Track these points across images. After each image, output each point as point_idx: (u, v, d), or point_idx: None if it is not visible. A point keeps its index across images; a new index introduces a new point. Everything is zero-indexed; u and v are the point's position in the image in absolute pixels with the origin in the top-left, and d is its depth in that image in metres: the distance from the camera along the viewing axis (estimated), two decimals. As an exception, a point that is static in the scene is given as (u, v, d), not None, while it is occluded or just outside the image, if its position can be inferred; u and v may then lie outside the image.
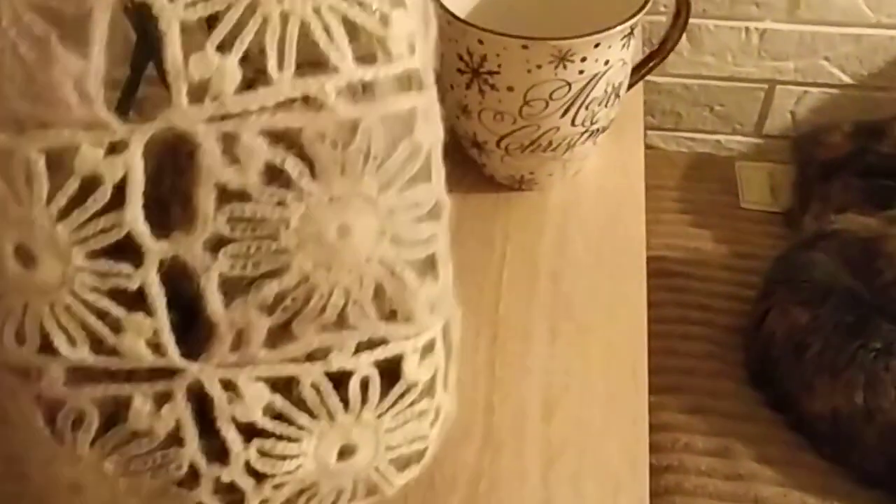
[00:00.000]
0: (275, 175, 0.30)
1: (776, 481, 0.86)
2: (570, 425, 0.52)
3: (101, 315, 0.31)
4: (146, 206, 0.30)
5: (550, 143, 0.61)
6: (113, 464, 0.34)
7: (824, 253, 0.91)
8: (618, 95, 0.61)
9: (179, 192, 0.31)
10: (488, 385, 0.54)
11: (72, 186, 0.30)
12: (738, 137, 1.28)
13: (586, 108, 0.59)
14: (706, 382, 0.95)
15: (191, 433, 0.33)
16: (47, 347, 0.32)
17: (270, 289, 0.31)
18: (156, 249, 0.30)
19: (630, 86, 0.65)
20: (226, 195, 0.30)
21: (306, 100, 0.30)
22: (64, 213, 0.30)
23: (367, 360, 0.35)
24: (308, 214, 0.31)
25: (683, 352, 0.97)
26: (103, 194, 0.30)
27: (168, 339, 0.32)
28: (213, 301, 0.31)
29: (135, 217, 0.30)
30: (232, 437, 0.33)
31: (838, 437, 0.87)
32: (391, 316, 0.35)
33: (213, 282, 0.31)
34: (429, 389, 0.38)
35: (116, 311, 0.31)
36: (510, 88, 0.58)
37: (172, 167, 0.32)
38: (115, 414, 0.33)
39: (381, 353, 0.35)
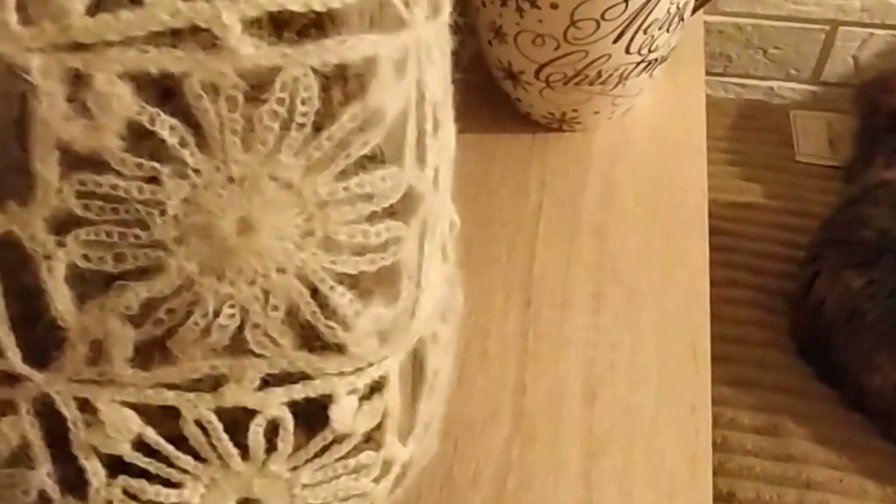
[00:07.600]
0: (145, 139, 0.22)
1: (831, 464, 0.82)
2: (616, 411, 0.45)
3: None
4: None
5: (599, 74, 0.53)
6: None
7: (875, 206, 0.85)
8: (682, 18, 0.53)
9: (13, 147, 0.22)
10: (519, 360, 0.47)
11: None
12: (793, 84, 1.20)
13: (644, 31, 0.51)
14: (754, 352, 0.91)
15: (41, 455, 0.26)
16: None
17: (137, 293, 0.23)
18: None
19: (695, 9, 0.56)
20: (76, 159, 0.22)
21: (195, 31, 0.21)
22: None
23: (278, 399, 0.26)
24: (194, 199, 0.22)
25: (730, 318, 0.92)
26: None
27: (4, 338, 0.24)
28: (59, 300, 0.23)
29: None
30: (92, 467, 0.26)
31: (903, 417, 0.81)
32: (318, 344, 0.26)
33: (59, 274, 0.23)
34: (373, 440, 0.30)
35: None
36: (554, 6, 0.50)
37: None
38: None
39: (299, 392, 0.26)
